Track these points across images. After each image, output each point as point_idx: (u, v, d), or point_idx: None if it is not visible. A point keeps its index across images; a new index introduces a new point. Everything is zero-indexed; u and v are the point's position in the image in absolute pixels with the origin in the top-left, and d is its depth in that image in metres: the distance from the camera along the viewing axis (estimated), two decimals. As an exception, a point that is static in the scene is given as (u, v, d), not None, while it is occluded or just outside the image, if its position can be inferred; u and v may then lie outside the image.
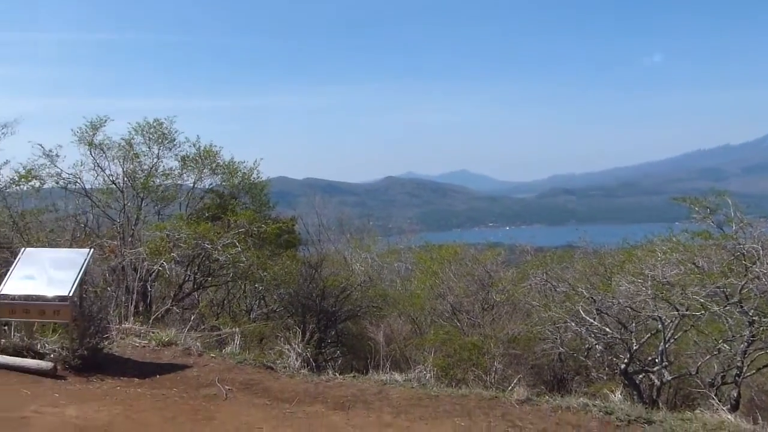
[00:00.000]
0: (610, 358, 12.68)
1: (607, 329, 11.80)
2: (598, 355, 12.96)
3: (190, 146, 16.88)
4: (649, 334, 11.60)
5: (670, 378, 11.43)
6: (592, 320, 11.87)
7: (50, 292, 8.10)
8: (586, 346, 12.83)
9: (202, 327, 11.82)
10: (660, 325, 10.93)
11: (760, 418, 8.26)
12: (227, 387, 7.36)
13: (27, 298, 8.14)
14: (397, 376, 8.20)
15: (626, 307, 11.39)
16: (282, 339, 10.86)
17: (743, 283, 10.01)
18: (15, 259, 8.76)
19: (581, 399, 7.52)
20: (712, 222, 10.77)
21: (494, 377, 11.86)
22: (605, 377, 12.86)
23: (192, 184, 17.41)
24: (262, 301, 17.06)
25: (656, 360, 11.38)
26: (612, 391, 8.93)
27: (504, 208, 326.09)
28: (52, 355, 8.02)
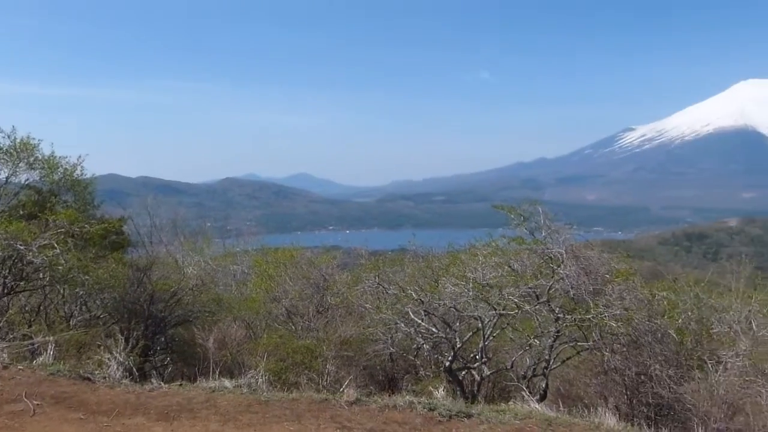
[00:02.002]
0: (436, 356, 13.39)
1: (434, 329, 12.42)
2: (426, 354, 13.62)
3: (3, 137, 15.41)
4: (471, 333, 12.41)
5: (489, 373, 12.30)
6: (420, 321, 12.44)
7: None
8: (415, 345, 13.39)
9: (11, 336, 10.80)
10: (480, 324, 11.73)
11: (561, 405, 9.16)
12: (36, 401, 6.80)
13: None
14: (227, 382, 8.05)
15: (451, 307, 12.06)
16: (103, 347, 10.22)
17: (551, 284, 11.07)
18: None
19: (407, 397, 7.87)
20: (526, 228, 11.81)
21: (327, 380, 12.03)
22: (432, 375, 13.51)
23: (5, 179, 15.89)
24: (84, 307, 15.90)
25: (477, 357, 12.19)
26: (436, 388, 9.44)
27: (344, 212, 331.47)
28: None
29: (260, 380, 8.39)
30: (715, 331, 12.68)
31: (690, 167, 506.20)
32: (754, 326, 12.66)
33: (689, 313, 12.68)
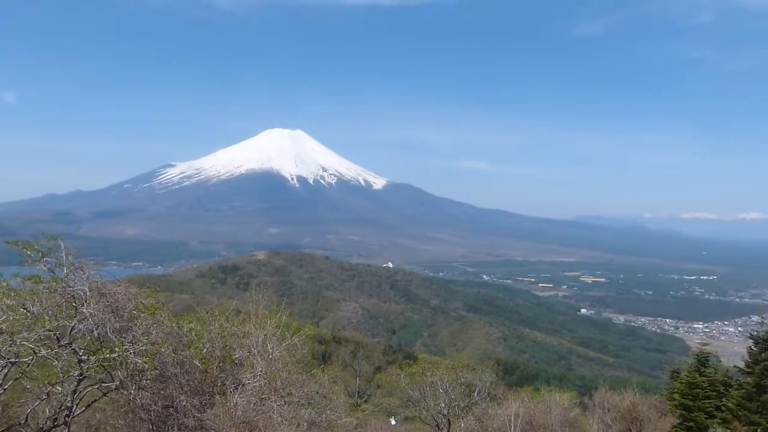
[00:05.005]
0: None
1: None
2: None
3: None
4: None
5: (-2, 432, 10.82)
6: None
7: None
8: None
9: None
10: (-13, 377, 10.26)
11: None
12: None
13: None
14: None
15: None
16: None
17: (73, 324, 10.40)
18: None
19: None
20: (45, 266, 10.88)
21: None
22: None
23: None
24: None
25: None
26: None
27: None
28: None
29: None
30: (237, 356, 13.77)
31: (224, 204, 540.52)
32: (269, 348, 14.22)
33: (215, 342, 13.49)
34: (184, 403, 11.75)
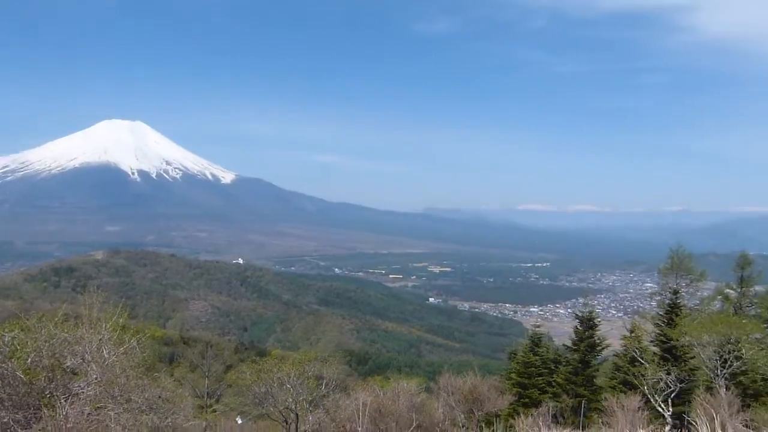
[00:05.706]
0: None
1: None
2: None
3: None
4: None
5: None
6: None
7: None
8: None
9: None
10: None
11: None
12: None
13: None
14: None
15: None
16: None
17: None
18: None
19: None
20: None
21: None
22: None
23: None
24: None
25: None
26: None
27: None
28: None
29: None
30: (68, 364, 12.76)
31: (56, 201, 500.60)
32: (105, 353, 13.32)
33: (42, 351, 12.41)
34: (5, 420, 10.70)
